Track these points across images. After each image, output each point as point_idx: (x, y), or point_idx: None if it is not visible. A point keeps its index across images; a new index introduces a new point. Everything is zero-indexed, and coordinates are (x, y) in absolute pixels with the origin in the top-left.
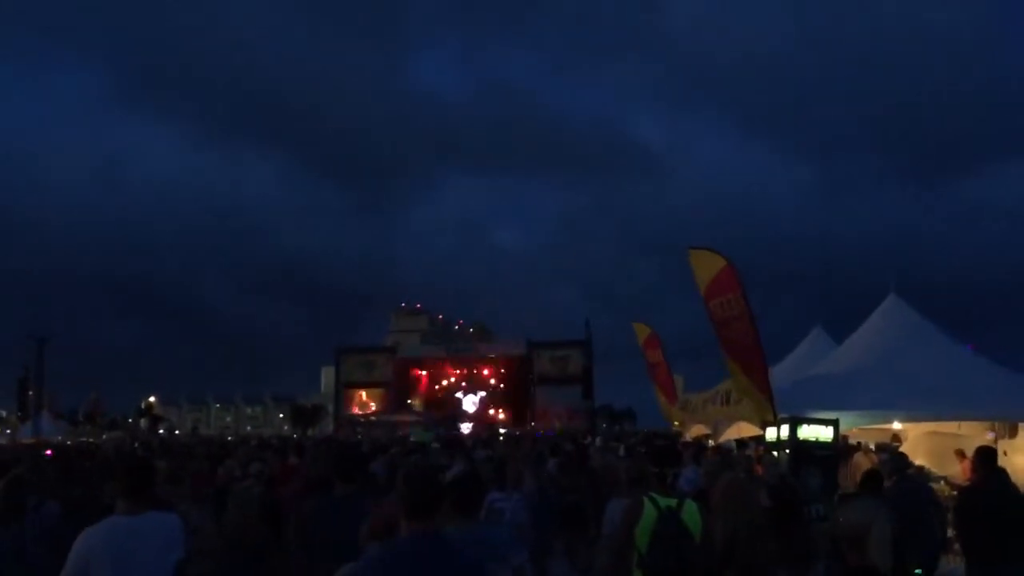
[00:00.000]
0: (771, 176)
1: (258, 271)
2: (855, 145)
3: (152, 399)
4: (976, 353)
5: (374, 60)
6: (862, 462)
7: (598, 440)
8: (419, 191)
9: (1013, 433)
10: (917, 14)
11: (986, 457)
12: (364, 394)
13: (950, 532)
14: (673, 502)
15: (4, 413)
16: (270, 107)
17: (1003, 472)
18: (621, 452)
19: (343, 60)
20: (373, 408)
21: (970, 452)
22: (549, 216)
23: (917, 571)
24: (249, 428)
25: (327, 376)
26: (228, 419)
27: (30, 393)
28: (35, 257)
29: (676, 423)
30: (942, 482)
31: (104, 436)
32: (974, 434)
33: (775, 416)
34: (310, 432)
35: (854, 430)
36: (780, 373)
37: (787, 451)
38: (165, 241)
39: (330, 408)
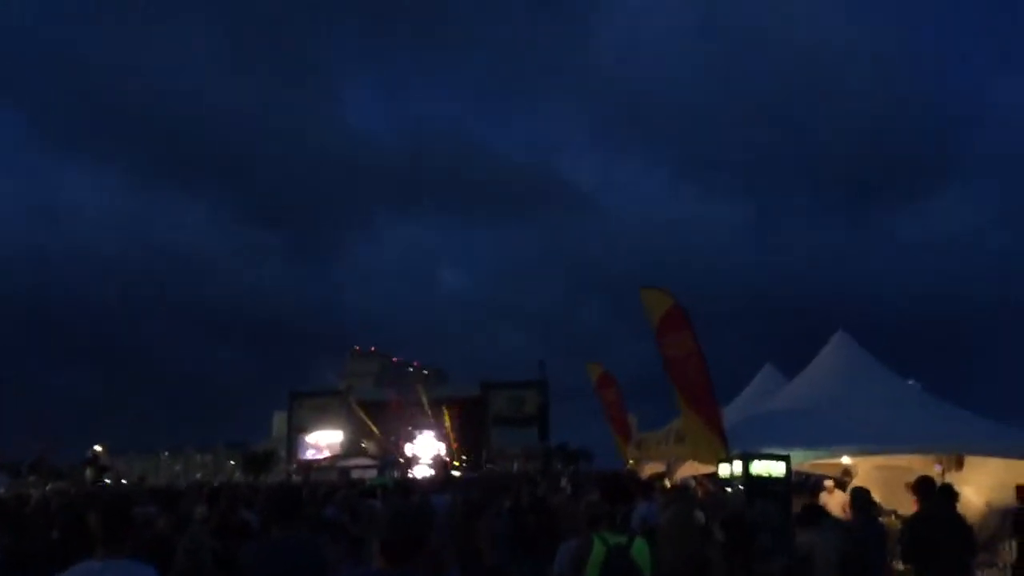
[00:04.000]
0: (710, 215)
1: (203, 317)
2: (790, 183)
3: (98, 448)
4: (921, 387)
5: (308, 102)
6: (827, 500)
7: (563, 481)
8: (360, 233)
9: (959, 466)
10: (847, 50)
11: (925, 486)
12: (321, 439)
13: (901, 565)
14: (623, 539)
15: None
16: (207, 152)
17: (950, 500)
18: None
19: (275, 103)
20: (328, 452)
21: None
22: (491, 257)
23: None
24: (199, 476)
25: (279, 421)
26: (178, 468)
27: None
28: None
29: (631, 461)
30: (892, 516)
31: (48, 487)
32: (922, 467)
33: (727, 452)
34: (262, 478)
35: (805, 464)
36: (733, 410)
37: (740, 487)
38: (108, 289)
39: (283, 453)
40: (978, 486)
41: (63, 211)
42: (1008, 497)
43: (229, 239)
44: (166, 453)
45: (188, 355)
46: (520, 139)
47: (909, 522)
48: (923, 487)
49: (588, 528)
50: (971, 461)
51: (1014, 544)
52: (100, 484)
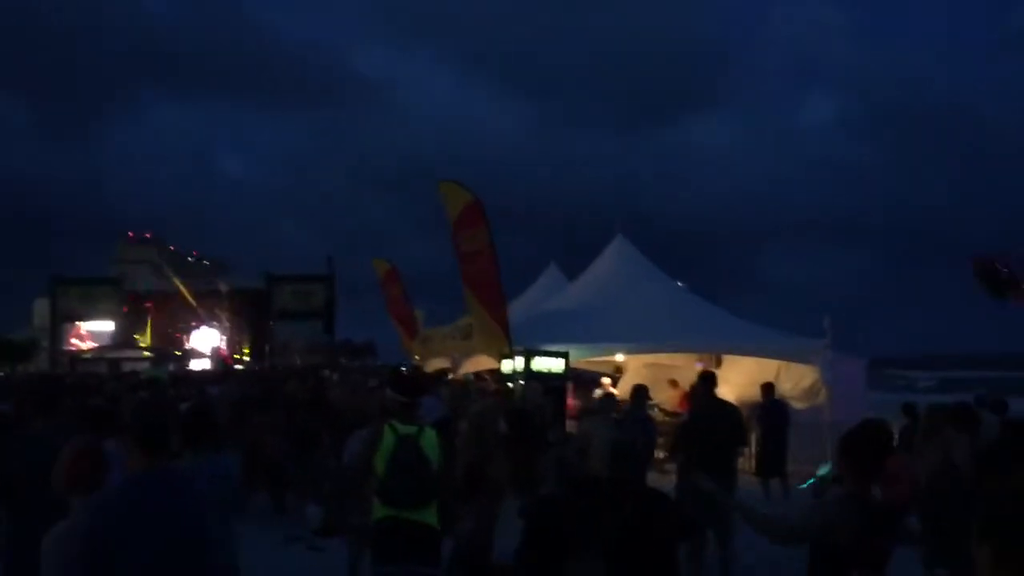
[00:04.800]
0: (498, 114)
1: None
2: (574, 91)
3: None
4: (688, 290)
5: None
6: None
7: (335, 376)
8: (130, 112)
9: (719, 364)
10: None
11: (709, 381)
12: (85, 329)
13: (660, 454)
14: (413, 429)
15: None
16: None
17: (712, 386)
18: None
19: None
20: (94, 344)
21: (681, 381)
22: (276, 146)
23: None
24: None
25: (40, 309)
26: None
27: None
28: None
29: (416, 357)
30: (655, 409)
31: None
32: (685, 364)
33: (511, 349)
34: (20, 369)
35: (581, 361)
36: (517, 308)
37: (521, 382)
38: None
39: (45, 344)
40: (732, 383)
41: None
42: (757, 393)
43: None
44: None
45: None
46: (308, 26)
47: (691, 414)
48: (707, 381)
49: (380, 419)
50: (728, 360)
51: (756, 435)
52: None
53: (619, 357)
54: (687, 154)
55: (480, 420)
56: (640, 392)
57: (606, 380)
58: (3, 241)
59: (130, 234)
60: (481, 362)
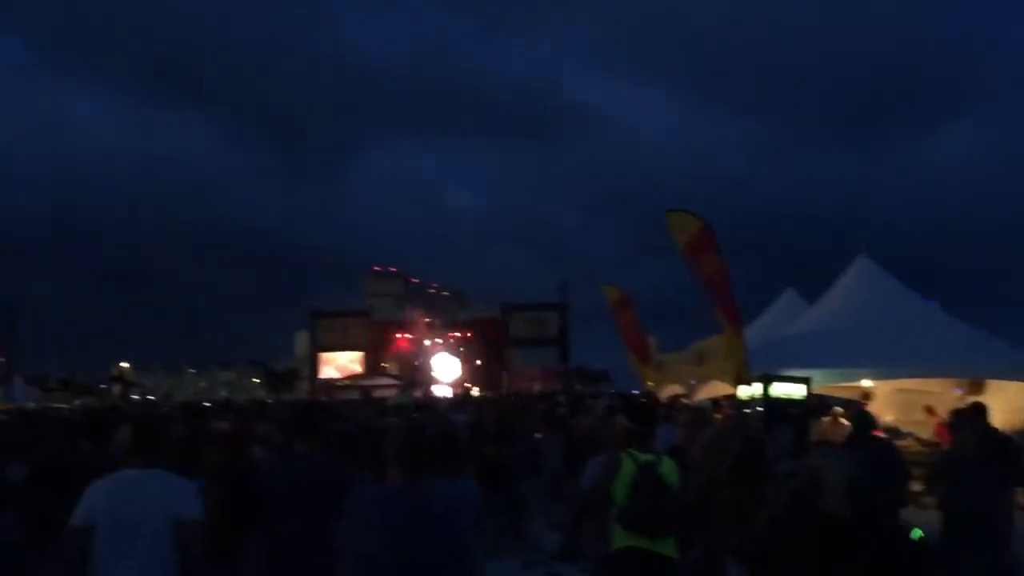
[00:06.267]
0: (724, 137)
1: (223, 239)
2: (803, 108)
3: (125, 365)
4: (943, 310)
5: (317, 24)
6: (825, 428)
7: (589, 401)
8: (370, 155)
9: (979, 390)
10: None
11: (981, 412)
12: (342, 358)
13: (919, 487)
14: (651, 457)
15: None
16: (218, 74)
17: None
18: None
19: (282, 26)
20: (349, 372)
21: (938, 408)
22: (505, 180)
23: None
24: (224, 393)
25: (301, 341)
26: (203, 385)
27: (2, 360)
28: None
29: (650, 384)
30: (909, 438)
31: (76, 402)
32: (941, 391)
33: (748, 375)
34: (284, 396)
35: (825, 387)
36: (753, 333)
37: (759, 408)
38: (121, 210)
39: (305, 372)
40: (996, 410)
41: (66, 135)
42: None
43: (243, 162)
44: (191, 371)
45: (208, 278)
46: (533, 59)
47: (958, 446)
48: (980, 412)
49: (617, 447)
50: (990, 385)
51: None
52: (129, 399)
53: (866, 383)
54: (932, 166)
55: (712, 446)
56: (858, 419)
57: (838, 409)
58: (266, 279)
59: (376, 268)
60: (717, 388)
